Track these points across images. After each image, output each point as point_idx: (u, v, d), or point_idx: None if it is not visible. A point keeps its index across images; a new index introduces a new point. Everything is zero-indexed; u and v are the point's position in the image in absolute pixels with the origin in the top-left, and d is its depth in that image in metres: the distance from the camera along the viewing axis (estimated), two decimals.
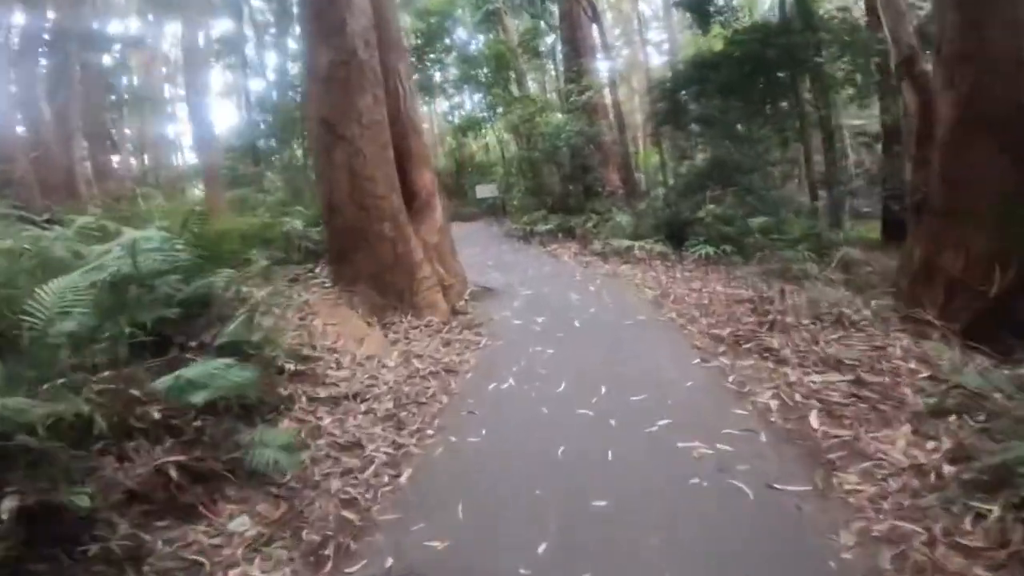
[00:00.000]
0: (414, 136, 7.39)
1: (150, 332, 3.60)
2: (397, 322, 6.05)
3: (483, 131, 24.07)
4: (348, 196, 6.22)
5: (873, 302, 5.90)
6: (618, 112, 15.76)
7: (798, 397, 3.96)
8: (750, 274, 8.58)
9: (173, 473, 2.94)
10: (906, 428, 3.43)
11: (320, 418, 4.03)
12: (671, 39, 24.65)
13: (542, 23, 19.65)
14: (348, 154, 6.13)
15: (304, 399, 4.15)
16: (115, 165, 19.89)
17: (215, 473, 3.12)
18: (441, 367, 5.02)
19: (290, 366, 4.34)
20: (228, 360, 3.27)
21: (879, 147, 12.79)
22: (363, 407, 4.26)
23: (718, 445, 3.46)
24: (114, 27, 22.02)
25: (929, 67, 5.33)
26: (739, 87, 11.85)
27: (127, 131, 27.13)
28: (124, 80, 23.68)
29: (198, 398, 2.88)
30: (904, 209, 11.02)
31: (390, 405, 4.30)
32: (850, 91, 12.50)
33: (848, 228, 11.87)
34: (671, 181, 15.63)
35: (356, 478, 3.44)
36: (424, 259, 6.74)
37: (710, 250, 9.49)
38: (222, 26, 21.52)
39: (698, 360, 4.81)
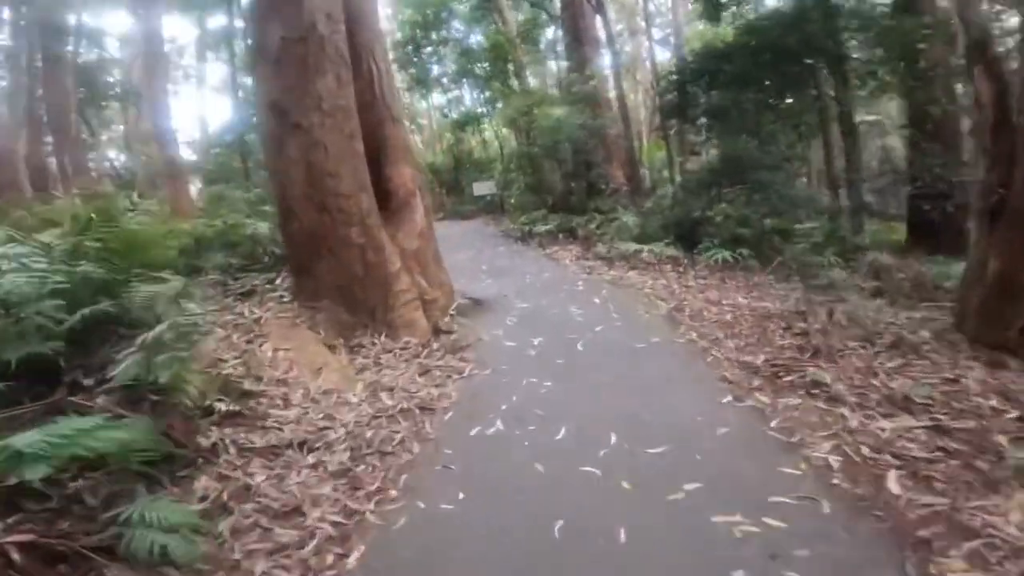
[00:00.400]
0: (392, 125, 6.47)
1: (19, 372, 2.74)
2: (367, 345, 5.16)
3: (481, 126, 23.20)
4: (305, 196, 5.31)
5: (919, 317, 5.06)
6: (623, 105, 14.87)
7: (866, 450, 3.09)
8: (772, 282, 7.73)
9: (15, 555, 2.12)
10: (1021, 495, 2.60)
11: (251, 474, 3.15)
12: (676, 32, 23.78)
13: (543, 13, 18.73)
14: (305, 146, 5.21)
15: (233, 449, 3.28)
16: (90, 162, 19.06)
17: (82, 554, 2.28)
18: (415, 403, 4.13)
19: (222, 406, 3.47)
20: (106, 414, 2.39)
21: (897, 141, 11.93)
22: (310, 459, 3.38)
23: (766, 519, 2.62)
24: (95, 20, 21.16)
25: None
26: (753, 78, 10.97)
27: (120, 127, 26.41)
28: (112, 75, 22.79)
29: (35, 473, 2.03)
30: (935, 209, 10.21)
31: (345, 456, 3.42)
32: (872, 84, 11.58)
33: (868, 230, 10.99)
34: (678, 178, 14.81)
35: (289, 557, 2.60)
36: (401, 269, 5.84)
37: (726, 254, 8.61)
38: (214, 20, 20.73)
39: (729, 398, 3.92)
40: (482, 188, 19.80)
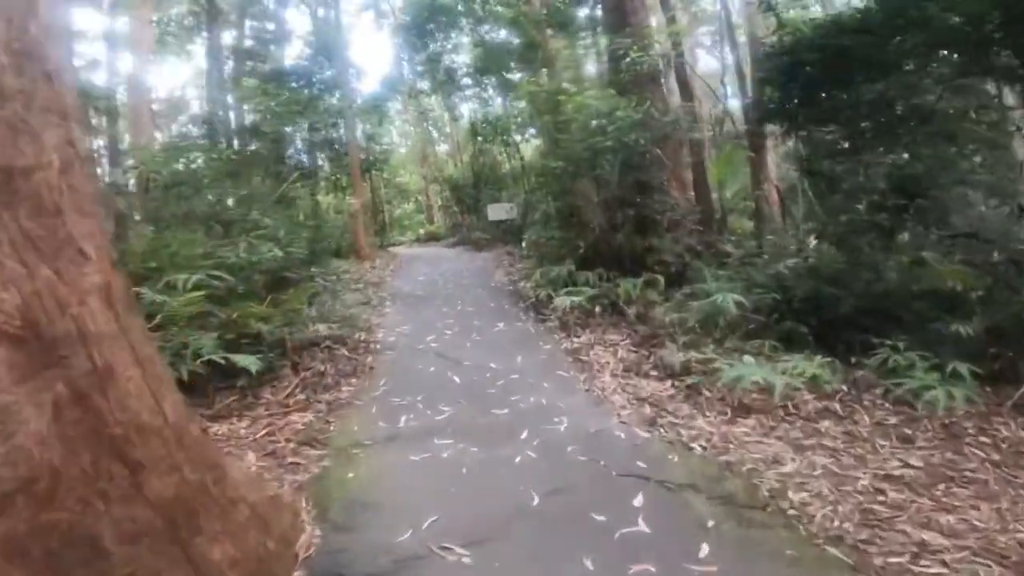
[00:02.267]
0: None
1: None
2: None
3: (504, 135, 18.92)
4: None
5: None
6: (688, 95, 10.25)
7: None
8: None
9: None
10: None
11: None
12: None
13: None
14: None
15: None
16: None
17: None
18: None
19: None
20: None
21: None
22: None
23: None
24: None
25: None
26: (891, 66, 6.37)
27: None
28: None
29: None
30: None
31: None
32: None
33: None
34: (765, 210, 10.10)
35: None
36: None
37: (955, 396, 3.94)
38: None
39: None
40: (498, 212, 15.49)
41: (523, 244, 12.92)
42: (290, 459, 4.06)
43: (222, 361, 4.12)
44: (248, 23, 16.97)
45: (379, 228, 22.42)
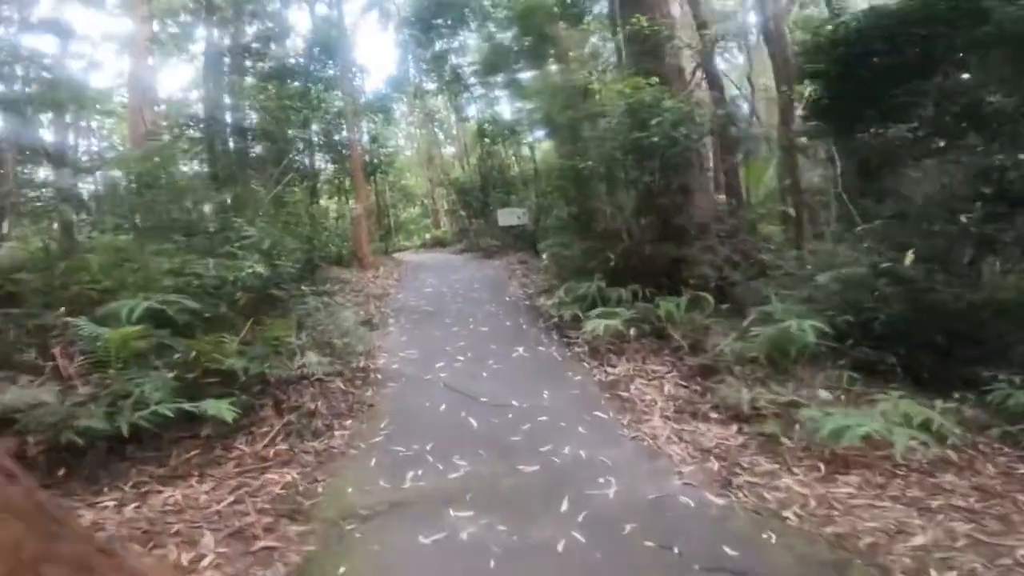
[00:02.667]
0: None
1: None
2: None
3: (513, 137, 18.04)
4: None
5: None
6: (715, 85, 9.28)
7: None
8: None
9: None
10: None
11: None
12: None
13: None
14: None
15: None
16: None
17: None
18: None
19: None
20: None
21: None
22: None
23: None
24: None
25: None
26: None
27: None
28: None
29: None
30: None
31: None
32: None
33: None
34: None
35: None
36: None
37: None
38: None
39: None
40: (509, 217, 14.58)
41: (538, 252, 12.01)
42: (262, 542, 3.13)
43: (171, 414, 3.20)
44: (246, 20, 16.14)
45: (384, 233, 21.56)
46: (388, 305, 8.82)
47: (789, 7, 12.05)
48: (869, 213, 7.04)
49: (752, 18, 11.06)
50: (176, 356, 3.60)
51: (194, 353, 3.63)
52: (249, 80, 15.45)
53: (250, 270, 4.36)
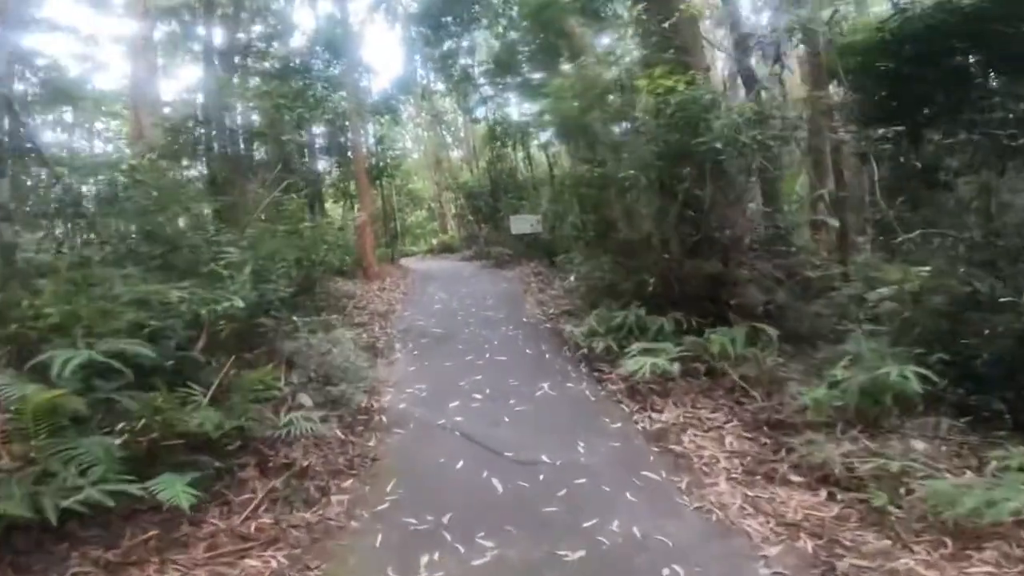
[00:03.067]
0: None
1: None
2: None
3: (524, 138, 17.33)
4: None
5: None
6: (751, 87, 8.42)
7: None
8: None
9: None
10: None
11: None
12: None
13: None
14: None
15: None
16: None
17: None
18: None
19: None
20: None
21: None
22: None
23: None
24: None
25: None
26: None
27: None
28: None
29: None
30: None
31: None
32: None
33: None
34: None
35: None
36: None
37: None
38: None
39: None
40: (521, 224, 13.82)
41: (554, 262, 11.21)
42: None
43: (111, 501, 2.44)
44: (247, 18, 15.47)
45: (390, 238, 20.86)
46: (394, 325, 8.05)
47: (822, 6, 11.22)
48: (906, 222, 6.32)
49: (785, 18, 10.21)
50: (124, 423, 2.84)
51: (152, 412, 2.88)
52: (255, 80, 14.80)
53: (227, 303, 3.61)
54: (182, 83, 20.34)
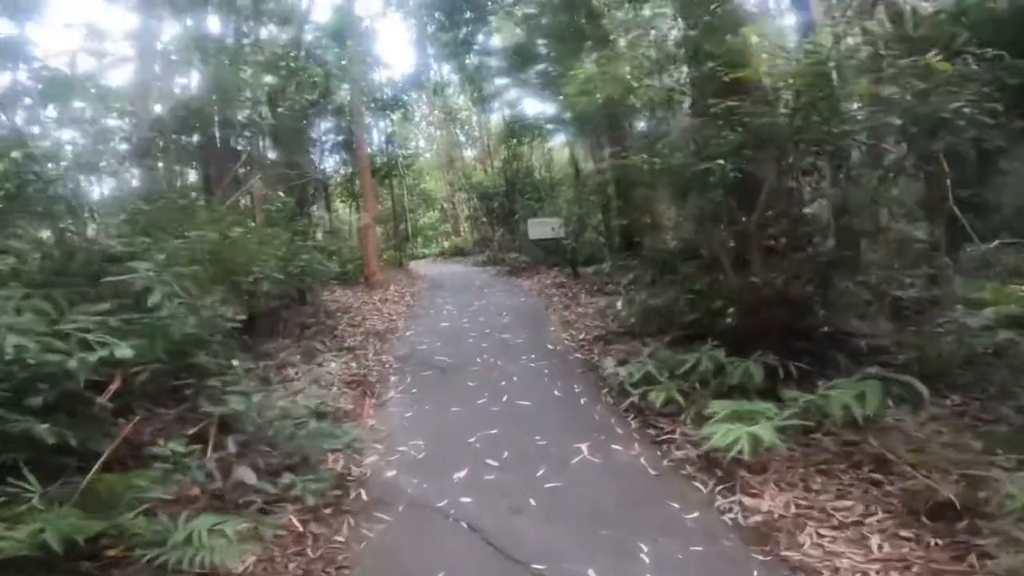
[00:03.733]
0: None
1: None
2: None
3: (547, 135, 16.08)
4: None
5: None
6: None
7: None
8: None
9: None
10: None
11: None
12: None
13: None
14: None
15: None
16: None
17: None
18: None
19: None
20: None
21: None
22: None
23: None
24: None
25: None
26: None
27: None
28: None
29: None
30: None
31: None
32: None
33: None
34: None
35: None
36: None
37: None
38: None
39: None
40: (541, 228, 12.49)
41: (578, 273, 9.84)
42: None
43: None
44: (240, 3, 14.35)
45: (400, 240, 19.68)
46: (392, 349, 6.74)
47: None
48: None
49: None
50: None
51: None
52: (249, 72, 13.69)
53: (104, 353, 2.34)
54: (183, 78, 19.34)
